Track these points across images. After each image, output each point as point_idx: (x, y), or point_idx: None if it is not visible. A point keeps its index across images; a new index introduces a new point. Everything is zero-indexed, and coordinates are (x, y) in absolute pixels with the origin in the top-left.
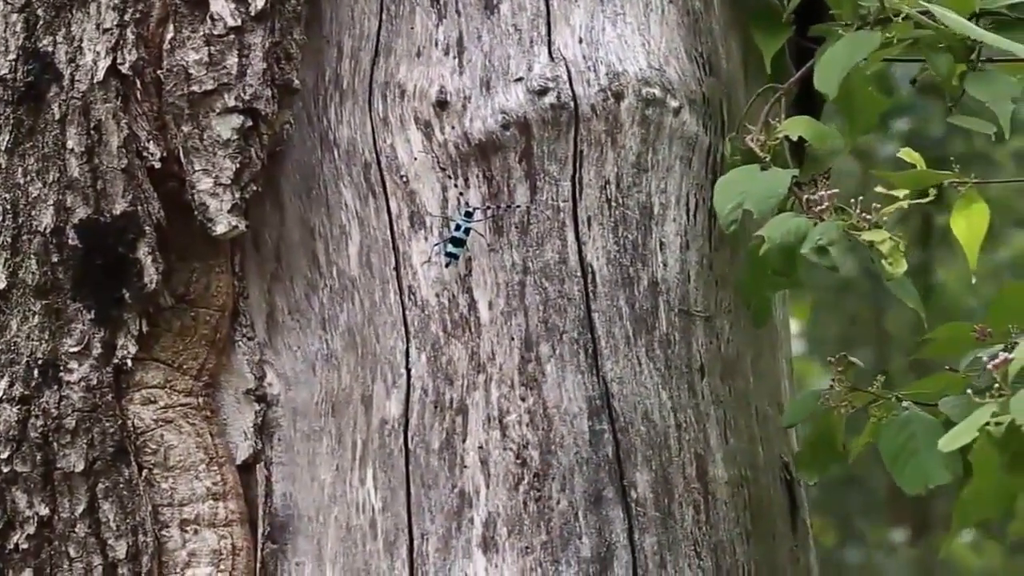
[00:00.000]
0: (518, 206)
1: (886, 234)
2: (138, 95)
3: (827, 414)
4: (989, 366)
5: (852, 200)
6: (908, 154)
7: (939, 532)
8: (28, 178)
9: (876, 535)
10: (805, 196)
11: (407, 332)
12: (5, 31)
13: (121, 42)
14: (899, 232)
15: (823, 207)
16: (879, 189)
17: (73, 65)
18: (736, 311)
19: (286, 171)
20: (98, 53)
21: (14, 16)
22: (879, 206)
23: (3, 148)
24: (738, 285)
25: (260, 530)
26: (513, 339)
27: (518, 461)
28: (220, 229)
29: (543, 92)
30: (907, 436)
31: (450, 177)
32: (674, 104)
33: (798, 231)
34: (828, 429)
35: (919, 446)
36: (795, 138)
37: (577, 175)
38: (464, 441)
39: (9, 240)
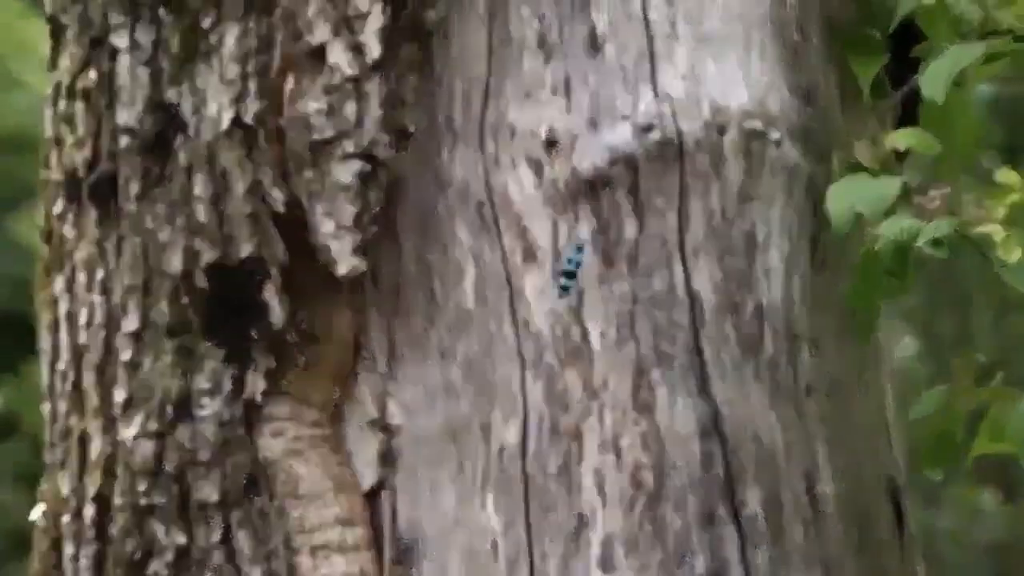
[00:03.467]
0: (628, 239)
1: (999, 226)
2: (261, 143)
3: (950, 410)
4: None
5: (964, 197)
6: (1006, 175)
7: None
8: (157, 223)
9: (965, 499)
10: (917, 200)
11: (523, 362)
12: (132, 83)
13: (243, 93)
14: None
15: (935, 205)
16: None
17: (198, 116)
18: (840, 332)
19: (402, 211)
20: (222, 104)
21: (140, 69)
22: (990, 201)
23: (133, 195)
24: (845, 301)
25: (386, 554)
26: (625, 366)
27: (633, 483)
28: (343, 270)
29: (649, 129)
30: None
31: (561, 213)
32: (775, 136)
33: (911, 229)
34: (951, 425)
35: None
36: (902, 149)
37: (683, 207)
38: (580, 465)
39: (141, 283)
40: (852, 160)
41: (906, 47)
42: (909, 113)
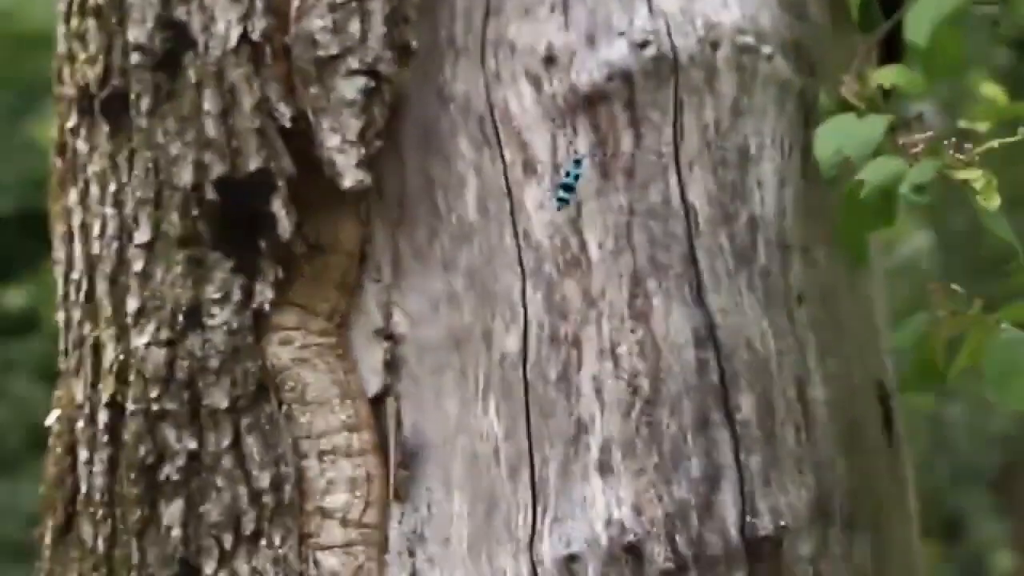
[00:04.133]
0: (624, 152)
1: (979, 172)
2: (268, 60)
3: (930, 337)
4: None
5: (945, 142)
6: (990, 88)
7: None
8: (168, 138)
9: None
10: (901, 140)
11: (523, 272)
12: (142, 1)
13: (251, 11)
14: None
15: (918, 149)
16: (963, 123)
17: (207, 33)
18: (830, 241)
19: (406, 126)
20: (230, 21)
21: None
22: (969, 145)
23: (144, 111)
24: (834, 226)
25: (392, 458)
26: (622, 276)
27: (630, 389)
28: (348, 183)
29: (644, 45)
30: (1009, 356)
31: (560, 127)
32: (767, 51)
33: (896, 173)
34: (931, 352)
35: (1022, 365)
36: (887, 86)
37: (678, 121)
38: (579, 372)
39: (152, 196)
40: (839, 96)
41: None
42: (896, 38)
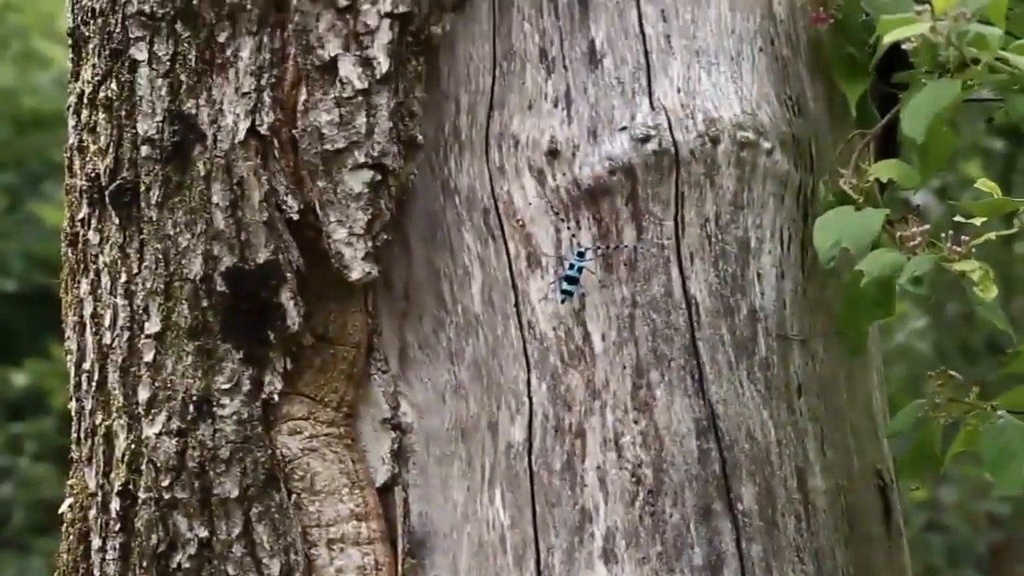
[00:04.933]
0: (626, 245)
1: (976, 264)
2: (276, 153)
3: (927, 424)
4: None
5: (943, 235)
6: (985, 183)
7: None
8: (177, 230)
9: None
10: (898, 233)
11: (528, 363)
12: (152, 95)
13: (259, 105)
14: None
15: (916, 242)
16: (959, 218)
17: (215, 126)
18: (829, 333)
19: (412, 218)
20: (238, 115)
21: (159, 81)
22: (967, 238)
23: (153, 202)
24: (833, 316)
25: (400, 547)
26: (625, 367)
27: (633, 479)
28: (355, 275)
29: (646, 139)
30: (1005, 442)
31: (563, 220)
32: (766, 145)
33: (894, 265)
34: (928, 438)
35: (1017, 450)
36: (884, 180)
37: (679, 214)
38: (583, 462)
39: (162, 287)
40: (837, 190)
41: (893, 67)
42: (893, 131)
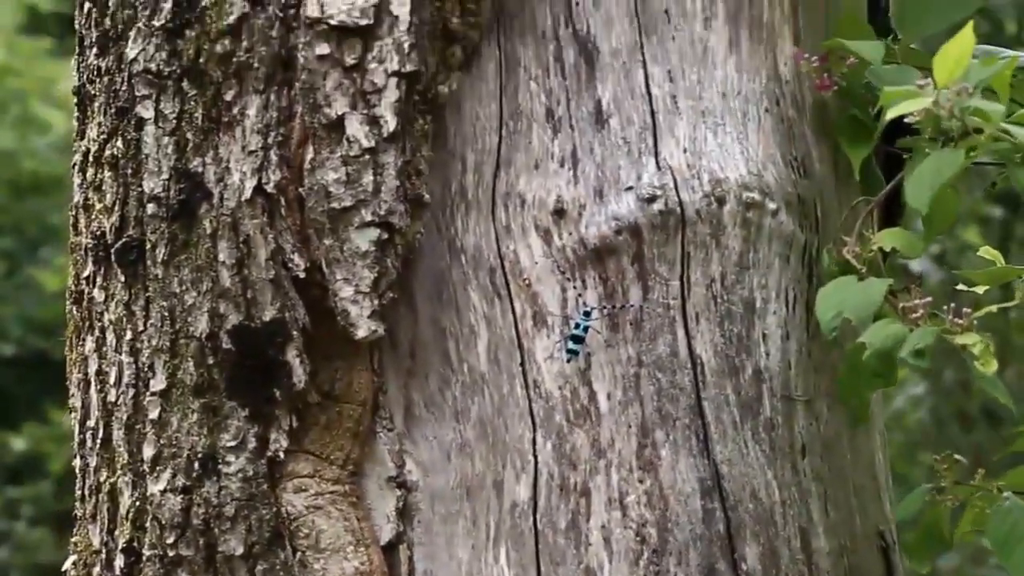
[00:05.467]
0: (632, 305)
1: (977, 337)
2: (282, 211)
3: (935, 507)
4: None
5: (944, 307)
6: (988, 252)
7: None
8: (183, 288)
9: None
10: (901, 304)
11: (533, 422)
12: (158, 152)
13: (265, 163)
14: (987, 335)
15: (918, 314)
16: (961, 287)
17: (222, 184)
18: (833, 395)
19: (418, 276)
20: (244, 173)
21: (166, 139)
22: (968, 310)
23: (159, 260)
24: (837, 377)
25: None
26: (631, 427)
27: (638, 538)
28: (361, 333)
29: (652, 199)
30: (1012, 524)
31: (569, 279)
32: (772, 206)
33: (896, 336)
34: (936, 520)
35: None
36: (888, 249)
37: (685, 274)
38: (588, 521)
39: (168, 344)
40: (840, 258)
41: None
42: (896, 196)
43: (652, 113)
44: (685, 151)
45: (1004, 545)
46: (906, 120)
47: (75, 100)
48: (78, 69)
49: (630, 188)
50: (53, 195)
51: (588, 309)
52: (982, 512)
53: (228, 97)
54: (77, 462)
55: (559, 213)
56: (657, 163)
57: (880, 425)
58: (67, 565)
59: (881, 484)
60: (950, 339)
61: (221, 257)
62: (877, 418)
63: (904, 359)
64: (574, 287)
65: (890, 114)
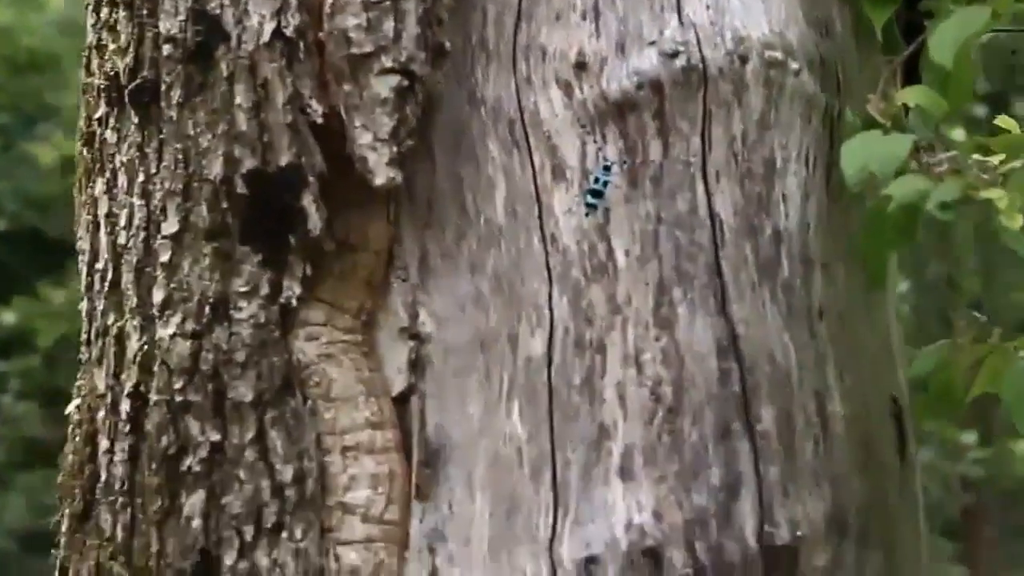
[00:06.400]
0: (652, 161)
1: (1002, 192)
2: (301, 55)
3: (950, 365)
4: None
5: (970, 161)
6: (1004, 121)
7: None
8: (198, 130)
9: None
10: (925, 159)
11: (550, 276)
12: None
13: (285, 6)
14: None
15: (943, 169)
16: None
17: (240, 27)
18: (850, 258)
19: (437, 128)
20: (263, 16)
21: None
22: (994, 164)
23: (175, 102)
24: (856, 245)
25: (415, 457)
26: (648, 284)
27: (653, 397)
28: (379, 180)
29: (674, 55)
30: None
31: (589, 133)
32: (794, 66)
33: (921, 191)
34: (950, 379)
35: None
36: (911, 105)
37: (706, 132)
38: (603, 378)
39: (181, 187)
40: (865, 114)
41: None
42: (915, 63)
43: None
44: (708, 8)
45: (1019, 403)
46: None
47: None
48: None
49: (652, 43)
50: (50, 73)
51: (608, 163)
52: (997, 372)
53: None
54: (84, 305)
55: (580, 66)
56: (680, 19)
57: (894, 298)
58: (71, 408)
59: (894, 351)
60: (974, 194)
61: (238, 100)
62: (892, 288)
63: (931, 212)
64: (594, 141)
65: None
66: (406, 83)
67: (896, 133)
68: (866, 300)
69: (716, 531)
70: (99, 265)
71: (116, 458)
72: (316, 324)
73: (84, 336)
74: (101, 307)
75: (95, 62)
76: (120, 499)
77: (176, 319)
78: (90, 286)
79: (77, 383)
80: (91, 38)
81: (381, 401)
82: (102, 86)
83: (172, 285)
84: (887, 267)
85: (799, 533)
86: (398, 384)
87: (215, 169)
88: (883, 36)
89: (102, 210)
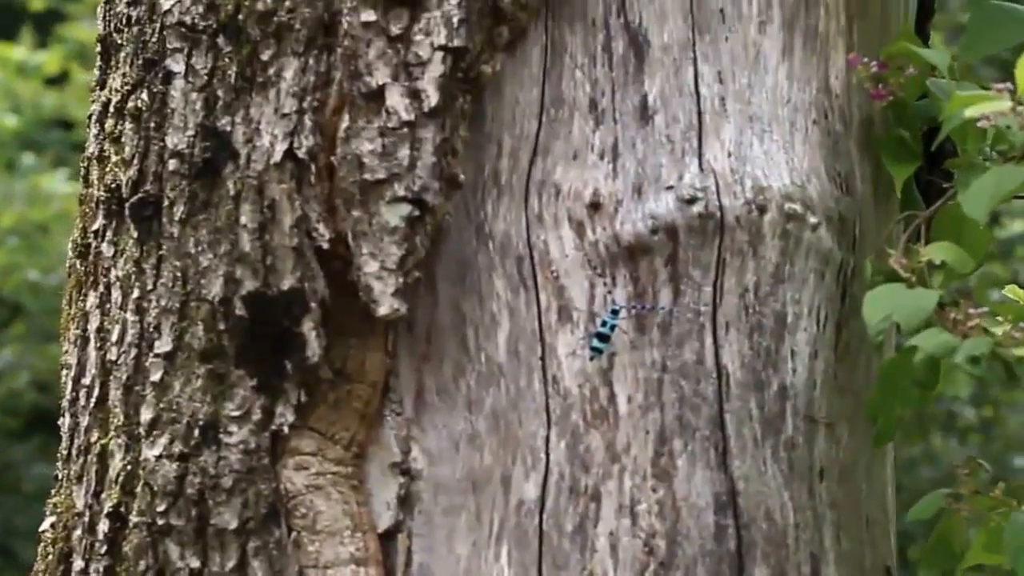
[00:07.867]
0: (662, 308)
1: None
2: (311, 178)
3: (950, 515)
4: None
5: (1000, 318)
6: (1013, 291)
7: None
8: (199, 248)
9: None
10: (952, 315)
11: (549, 419)
12: (185, 108)
13: (298, 127)
14: None
15: (972, 324)
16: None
17: (250, 145)
18: (854, 420)
19: (442, 259)
20: (275, 136)
21: (194, 95)
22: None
23: (177, 219)
24: (861, 402)
25: None
26: (648, 432)
27: (645, 549)
28: (383, 311)
29: (692, 201)
30: None
31: (599, 275)
32: (813, 220)
33: (947, 345)
34: (949, 530)
35: None
36: (938, 262)
37: (719, 281)
38: (596, 526)
39: (177, 305)
40: (885, 267)
41: (936, 155)
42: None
43: (699, 113)
44: (730, 155)
45: (1020, 557)
46: (973, 122)
47: (98, 49)
48: (104, 17)
49: (670, 187)
50: None
51: (616, 307)
52: (998, 529)
53: (265, 57)
54: (66, 420)
55: (595, 206)
56: (700, 164)
57: (891, 457)
58: (44, 526)
59: (890, 517)
60: (1003, 352)
61: (243, 220)
62: (889, 451)
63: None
64: (604, 283)
65: (969, 112)
66: (417, 213)
67: (921, 288)
68: (867, 462)
69: None
70: (85, 380)
71: None
72: (306, 453)
73: (63, 452)
74: (85, 423)
75: (95, 173)
76: None
77: (163, 440)
78: (74, 401)
79: (50, 501)
80: (92, 148)
81: (367, 536)
82: (101, 198)
83: (161, 405)
84: (895, 424)
85: None
86: (385, 520)
87: (214, 289)
88: (903, 193)
89: (93, 324)
